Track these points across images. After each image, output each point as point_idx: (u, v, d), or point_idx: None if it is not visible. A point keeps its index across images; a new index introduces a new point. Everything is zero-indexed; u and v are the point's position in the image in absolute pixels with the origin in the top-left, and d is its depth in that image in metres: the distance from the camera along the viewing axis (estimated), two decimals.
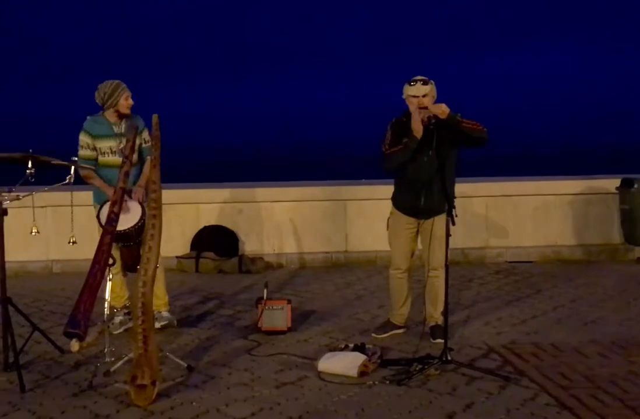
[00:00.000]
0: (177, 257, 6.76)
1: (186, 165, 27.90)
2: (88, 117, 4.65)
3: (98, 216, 4.40)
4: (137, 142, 4.55)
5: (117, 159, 4.47)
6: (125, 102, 4.55)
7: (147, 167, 4.57)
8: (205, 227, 7.01)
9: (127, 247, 4.32)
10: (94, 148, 4.57)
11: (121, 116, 4.60)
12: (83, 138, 4.58)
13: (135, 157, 4.50)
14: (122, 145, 4.49)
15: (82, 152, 4.57)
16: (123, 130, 4.55)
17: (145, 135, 4.67)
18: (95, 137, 4.57)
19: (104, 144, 4.55)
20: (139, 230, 4.20)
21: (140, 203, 4.41)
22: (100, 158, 4.58)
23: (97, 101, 4.59)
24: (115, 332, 4.52)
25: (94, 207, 4.61)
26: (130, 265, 4.40)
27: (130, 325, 4.64)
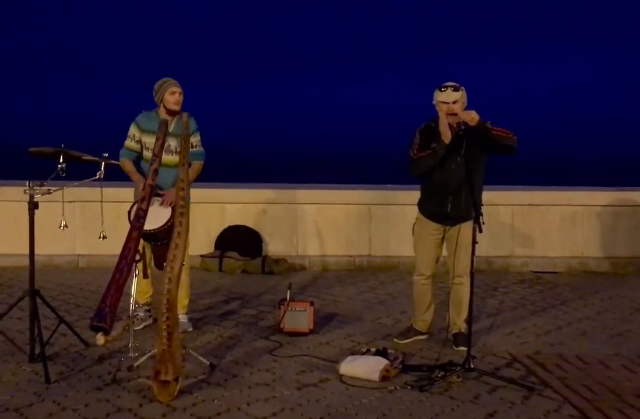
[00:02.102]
0: (201, 256, 6.80)
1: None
2: (143, 111, 4.65)
3: (129, 212, 4.40)
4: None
5: None
6: (170, 96, 4.48)
7: (189, 171, 4.50)
8: (229, 227, 7.04)
9: (157, 245, 4.29)
10: (139, 141, 4.59)
11: (171, 113, 4.52)
12: (132, 129, 4.61)
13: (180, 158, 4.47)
14: (167, 144, 4.43)
15: (128, 142, 4.62)
16: (172, 130, 4.49)
17: (194, 139, 4.59)
18: (143, 130, 4.57)
19: (150, 139, 4.45)
20: (165, 231, 4.16)
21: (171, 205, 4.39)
22: (143, 152, 4.59)
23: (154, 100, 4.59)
24: (135, 328, 4.53)
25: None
26: (157, 262, 4.40)
27: (149, 322, 4.67)
